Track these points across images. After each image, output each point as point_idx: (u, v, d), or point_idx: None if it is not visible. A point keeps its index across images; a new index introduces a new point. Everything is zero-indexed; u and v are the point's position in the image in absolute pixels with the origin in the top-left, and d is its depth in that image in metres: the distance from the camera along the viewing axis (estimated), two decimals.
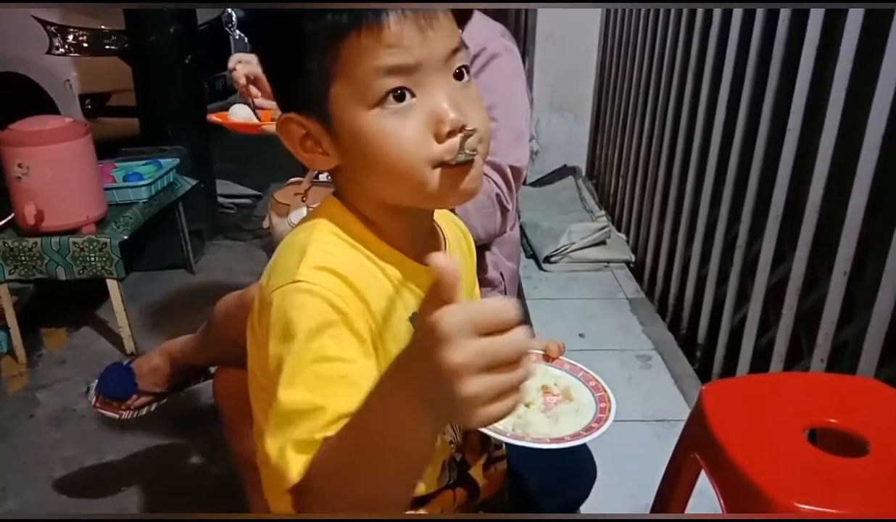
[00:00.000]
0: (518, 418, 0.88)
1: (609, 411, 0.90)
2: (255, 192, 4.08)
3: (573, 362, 0.98)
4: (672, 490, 1.21)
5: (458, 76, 0.76)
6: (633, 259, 3.06)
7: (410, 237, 0.84)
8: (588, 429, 0.87)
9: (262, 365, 0.79)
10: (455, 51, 0.75)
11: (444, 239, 0.93)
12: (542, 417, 0.88)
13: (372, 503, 0.66)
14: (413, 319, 0.61)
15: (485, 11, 1.60)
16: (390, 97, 0.72)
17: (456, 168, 0.75)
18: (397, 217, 0.82)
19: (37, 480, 2.05)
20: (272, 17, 0.77)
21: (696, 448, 1.14)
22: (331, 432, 0.67)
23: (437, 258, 0.52)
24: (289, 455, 0.68)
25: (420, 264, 0.85)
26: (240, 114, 1.42)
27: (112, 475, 2.07)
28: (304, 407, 0.69)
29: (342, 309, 0.73)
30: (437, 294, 0.52)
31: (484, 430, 0.88)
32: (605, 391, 0.93)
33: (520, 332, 0.52)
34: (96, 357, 2.53)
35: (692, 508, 1.22)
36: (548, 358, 0.99)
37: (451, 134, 0.74)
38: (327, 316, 0.72)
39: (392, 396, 0.59)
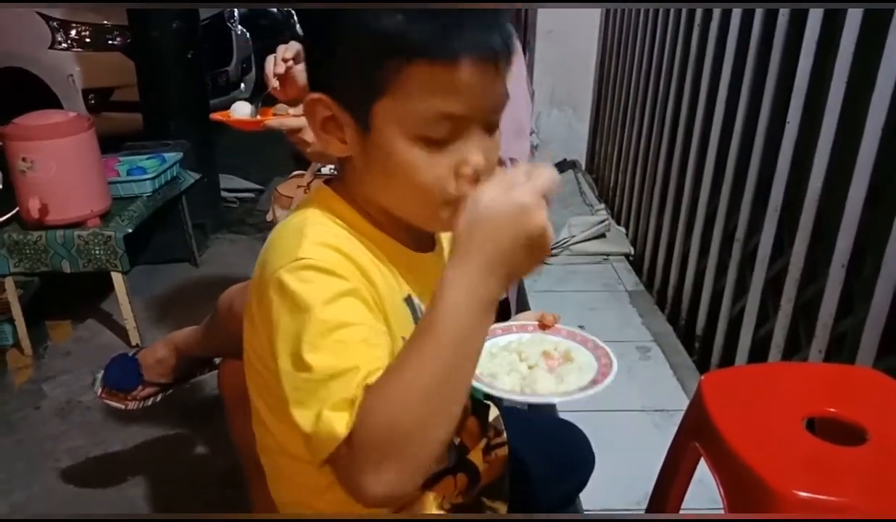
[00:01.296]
0: (524, 379, 0.90)
1: (611, 365, 0.90)
2: (257, 186, 4.09)
3: (569, 328, 0.99)
4: (671, 479, 1.22)
5: (491, 130, 0.78)
6: (633, 252, 3.07)
7: (405, 229, 0.85)
8: (594, 382, 0.88)
9: (258, 350, 0.81)
10: (497, 108, 0.78)
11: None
12: (547, 376, 0.89)
13: (449, 422, 0.68)
14: (487, 205, 0.66)
15: None
16: (431, 140, 0.74)
17: (460, 201, 0.76)
18: (395, 217, 0.83)
19: (43, 471, 2.06)
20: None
21: (696, 436, 1.16)
22: (362, 387, 0.68)
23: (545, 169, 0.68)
24: (327, 416, 0.67)
25: (413, 251, 0.87)
26: (242, 111, 1.43)
27: (117, 465, 2.08)
28: (333, 371, 0.69)
29: (346, 277, 0.74)
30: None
31: (496, 392, 0.89)
32: (604, 347, 0.94)
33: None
34: (101, 349, 2.55)
35: (691, 496, 1.24)
36: (544, 326, 1.00)
37: (469, 177, 0.76)
38: (337, 286, 0.73)
39: (474, 291, 0.66)
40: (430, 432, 0.66)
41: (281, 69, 1.35)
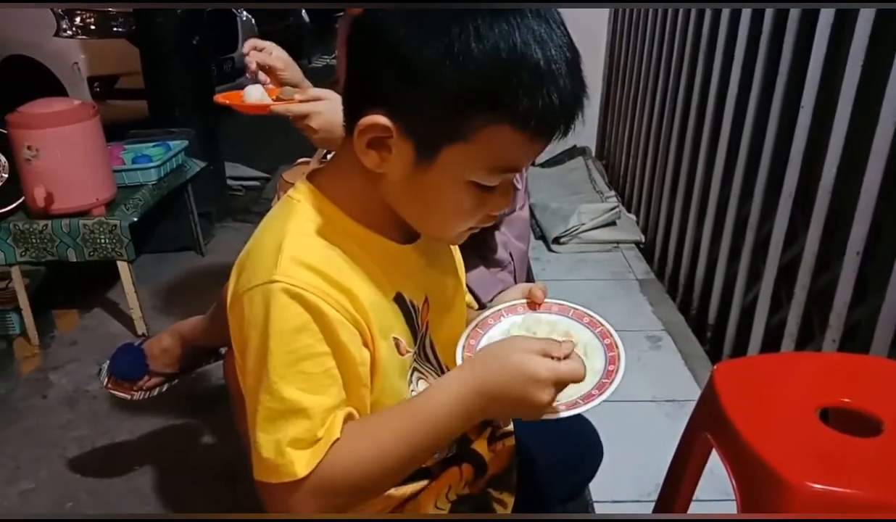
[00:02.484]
0: None
1: (617, 347, 0.85)
2: (263, 174, 4.08)
3: (559, 302, 0.94)
4: (683, 470, 1.20)
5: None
6: (643, 239, 3.04)
7: (391, 223, 0.84)
8: (608, 374, 0.83)
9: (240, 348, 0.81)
10: None
11: None
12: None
13: (400, 474, 0.81)
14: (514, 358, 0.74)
15: None
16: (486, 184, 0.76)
17: (474, 228, 0.83)
18: (384, 213, 0.82)
19: (50, 460, 2.06)
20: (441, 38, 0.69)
21: (708, 427, 1.13)
22: (327, 428, 0.75)
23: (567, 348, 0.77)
24: (289, 452, 0.74)
25: (398, 244, 0.85)
26: (254, 95, 1.40)
27: (124, 455, 2.08)
28: (297, 406, 0.74)
29: (318, 307, 0.75)
30: (550, 350, 0.76)
31: None
32: (603, 325, 0.89)
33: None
34: (108, 338, 2.54)
35: (702, 487, 1.22)
36: (533, 304, 0.96)
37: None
38: (304, 315, 0.74)
39: (462, 408, 0.76)
40: (385, 488, 0.84)
41: (254, 65, 1.36)
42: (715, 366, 1.17)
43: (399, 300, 0.85)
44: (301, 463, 0.73)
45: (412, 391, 0.88)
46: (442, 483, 0.97)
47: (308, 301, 0.74)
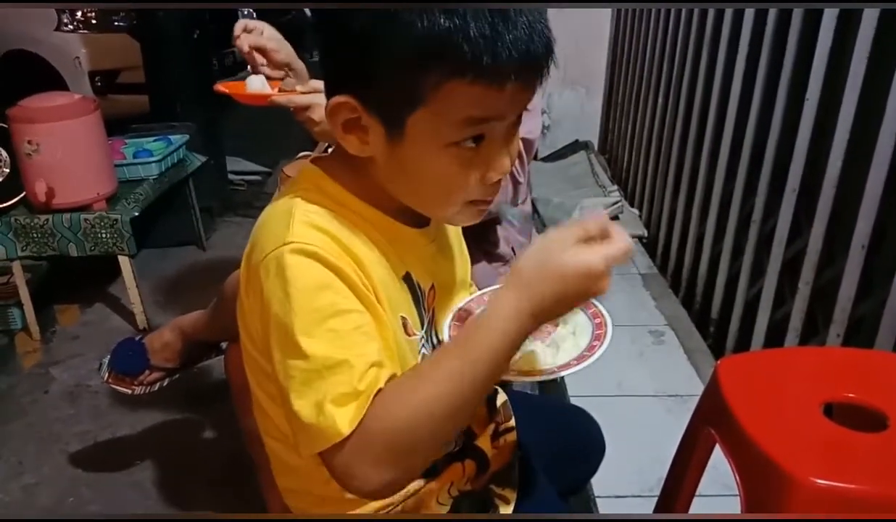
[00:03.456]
0: (520, 355, 0.86)
1: (605, 325, 0.86)
2: (264, 169, 4.07)
3: None
4: (686, 466, 1.19)
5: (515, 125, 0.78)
6: (646, 234, 3.03)
7: (401, 208, 0.83)
8: (591, 348, 0.84)
9: (253, 336, 0.80)
10: (525, 109, 0.76)
11: None
12: (543, 348, 0.86)
13: (454, 423, 0.74)
14: (567, 255, 0.68)
15: None
16: (465, 141, 0.73)
17: (480, 203, 0.79)
18: (393, 200, 0.81)
19: (52, 454, 2.06)
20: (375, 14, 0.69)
21: (712, 422, 1.13)
22: (366, 383, 0.69)
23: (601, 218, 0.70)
24: (330, 410, 0.68)
25: (408, 227, 0.85)
26: (255, 85, 1.38)
27: (126, 449, 2.08)
28: (331, 362, 0.69)
29: (337, 265, 0.73)
30: (587, 231, 0.69)
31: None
32: (596, 306, 0.89)
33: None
34: (109, 333, 2.54)
35: (705, 483, 1.21)
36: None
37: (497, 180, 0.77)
38: (326, 272, 0.72)
39: (520, 327, 0.69)
40: (439, 441, 0.72)
41: (246, 47, 1.34)
42: (718, 361, 1.16)
43: (408, 280, 0.84)
44: (344, 420, 0.68)
45: None
46: (444, 479, 0.96)
47: (326, 260, 0.72)
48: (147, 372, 1.71)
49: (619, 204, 3.08)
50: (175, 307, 2.69)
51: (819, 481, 0.93)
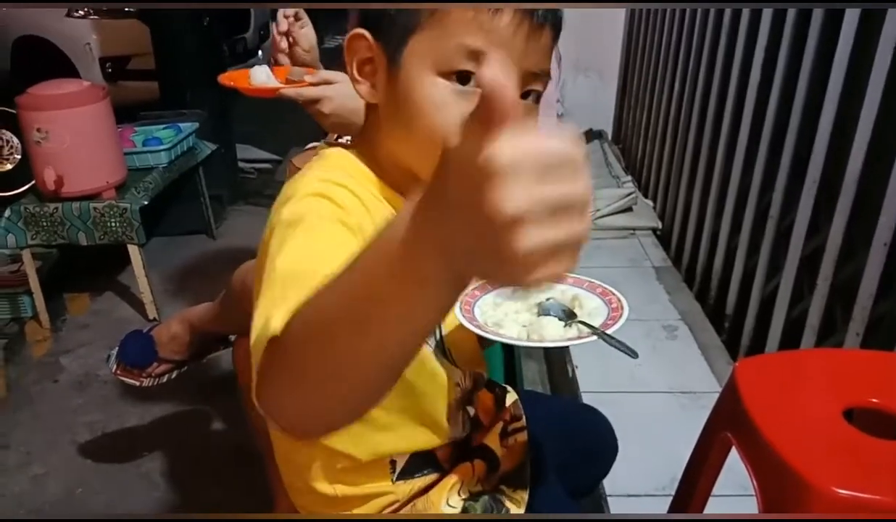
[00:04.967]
0: (531, 326, 0.85)
1: (622, 308, 0.85)
2: (275, 157, 4.05)
3: (576, 275, 0.93)
4: (701, 469, 1.17)
5: (525, 96, 0.74)
6: (660, 226, 2.99)
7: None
8: (604, 326, 0.82)
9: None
10: (536, 76, 0.74)
11: None
12: (555, 321, 0.84)
13: (340, 374, 0.52)
14: (452, 150, 0.42)
15: None
16: (457, 76, 0.71)
17: None
18: (412, 177, 0.79)
19: (61, 444, 2.06)
20: None
21: (728, 426, 1.10)
22: None
23: (487, 71, 0.41)
24: (274, 314, 0.55)
25: None
26: (260, 77, 1.35)
27: (134, 440, 2.08)
28: (295, 271, 0.60)
29: (347, 210, 0.71)
30: (484, 116, 0.40)
31: (499, 338, 0.84)
32: (614, 293, 0.89)
33: (586, 177, 0.41)
34: (119, 322, 2.54)
35: (720, 483, 1.18)
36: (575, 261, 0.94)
37: None
38: (333, 212, 0.70)
39: (404, 245, 0.45)
40: (334, 364, 0.51)
41: (284, 27, 1.31)
42: (736, 363, 1.13)
43: None
44: (279, 321, 0.54)
45: None
46: (453, 479, 0.94)
47: (340, 205, 0.70)
48: (155, 364, 1.70)
49: (633, 195, 3.04)
50: (185, 296, 2.69)
51: (840, 491, 0.90)
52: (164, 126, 2.75)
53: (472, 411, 0.96)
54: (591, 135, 3.74)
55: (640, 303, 2.46)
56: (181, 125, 2.77)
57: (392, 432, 0.88)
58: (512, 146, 0.39)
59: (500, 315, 0.86)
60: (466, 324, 0.82)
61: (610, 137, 3.86)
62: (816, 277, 1.79)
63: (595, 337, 0.81)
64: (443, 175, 0.43)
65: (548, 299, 0.89)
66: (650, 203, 3.14)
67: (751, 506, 1.00)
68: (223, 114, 3.35)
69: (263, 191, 3.66)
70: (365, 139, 0.81)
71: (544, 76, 0.75)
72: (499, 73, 0.40)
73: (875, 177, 1.59)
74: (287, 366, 0.53)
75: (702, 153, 2.59)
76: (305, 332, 0.52)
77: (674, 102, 2.93)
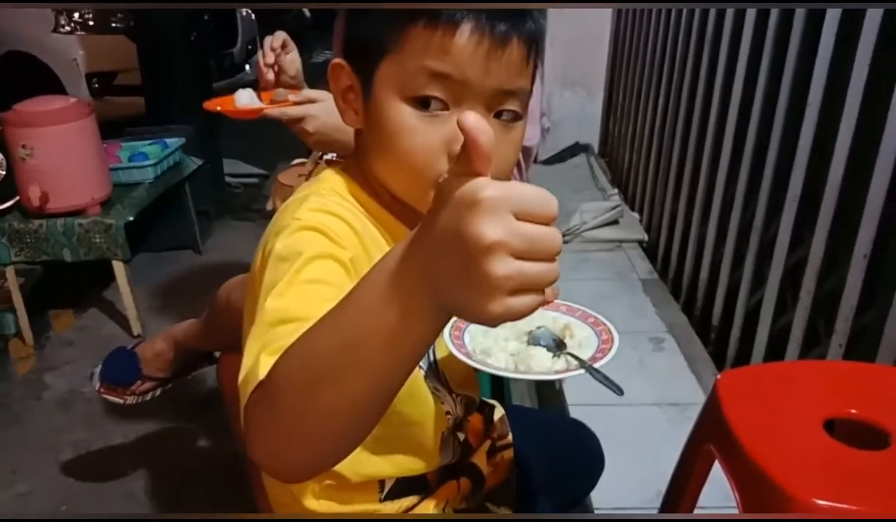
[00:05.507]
0: (518, 355, 0.84)
1: (612, 341, 0.85)
2: (262, 172, 4.05)
3: (569, 304, 0.93)
4: (685, 482, 1.17)
5: (501, 115, 0.74)
6: (647, 238, 3.01)
7: (414, 216, 0.81)
8: (592, 359, 0.82)
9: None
10: (508, 93, 0.73)
11: None
12: (544, 352, 0.84)
13: (326, 420, 0.53)
14: (441, 187, 0.47)
15: None
16: (421, 101, 0.71)
17: None
18: (399, 199, 0.79)
19: (45, 463, 2.04)
20: None
21: (711, 439, 1.10)
22: None
23: (468, 117, 0.46)
24: (262, 358, 0.58)
25: None
26: (244, 99, 1.36)
27: (120, 458, 2.06)
28: (286, 316, 0.61)
29: (341, 244, 0.71)
30: (468, 160, 0.46)
31: (485, 368, 0.84)
32: (605, 324, 0.88)
33: (557, 231, 0.47)
34: (104, 339, 2.52)
35: (706, 494, 1.18)
36: (543, 302, 0.94)
37: None
38: (327, 247, 0.70)
39: (392, 278, 0.49)
40: (322, 409, 0.53)
41: (271, 59, 1.31)
42: (719, 376, 1.14)
43: None
44: (266, 366, 0.56)
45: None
46: (439, 497, 0.95)
47: (334, 239, 0.70)
48: (139, 381, 1.69)
49: (619, 207, 3.06)
50: (171, 312, 2.68)
51: (820, 502, 0.91)
52: (150, 141, 2.75)
53: (462, 436, 0.96)
54: (578, 149, 3.76)
55: (628, 316, 2.47)
56: (167, 140, 2.77)
57: (383, 458, 0.88)
58: (496, 184, 0.45)
59: (490, 342, 0.86)
60: (455, 352, 0.81)
61: (596, 150, 3.88)
62: (800, 290, 1.81)
63: (582, 371, 0.81)
64: (433, 209, 0.47)
65: (539, 327, 0.88)
66: (636, 215, 3.15)
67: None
68: (210, 129, 3.34)
69: (250, 205, 3.66)
70: (357, 161, 0.82)
71: (520, 93, 0.74)
72: (478, 117, 0.46)
73: (855, 191, 1.61)
74: (275, 408, 0.55)
75: (686, 166, 2.61)
76: (293, 372, 0.54)
77: (658, 116, 2.96)
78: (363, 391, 0.52)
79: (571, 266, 2.82)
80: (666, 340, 2.35)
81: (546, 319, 0.90)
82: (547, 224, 0.46)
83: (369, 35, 0.74)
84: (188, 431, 2.13)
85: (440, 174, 0.73)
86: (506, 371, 0.83)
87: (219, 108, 1.37)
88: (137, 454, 2.07)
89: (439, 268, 0.46)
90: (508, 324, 0.88)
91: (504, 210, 0.44)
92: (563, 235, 2.91)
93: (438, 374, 0.92)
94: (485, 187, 0.45)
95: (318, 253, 0.68)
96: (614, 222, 3.03)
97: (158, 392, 1.73)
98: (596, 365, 0.81)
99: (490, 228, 0.44)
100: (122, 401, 1.70)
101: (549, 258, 0.46)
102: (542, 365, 0.82)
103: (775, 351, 1.94)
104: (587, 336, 0.87)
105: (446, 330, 0.83)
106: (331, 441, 0.55)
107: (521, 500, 1.06)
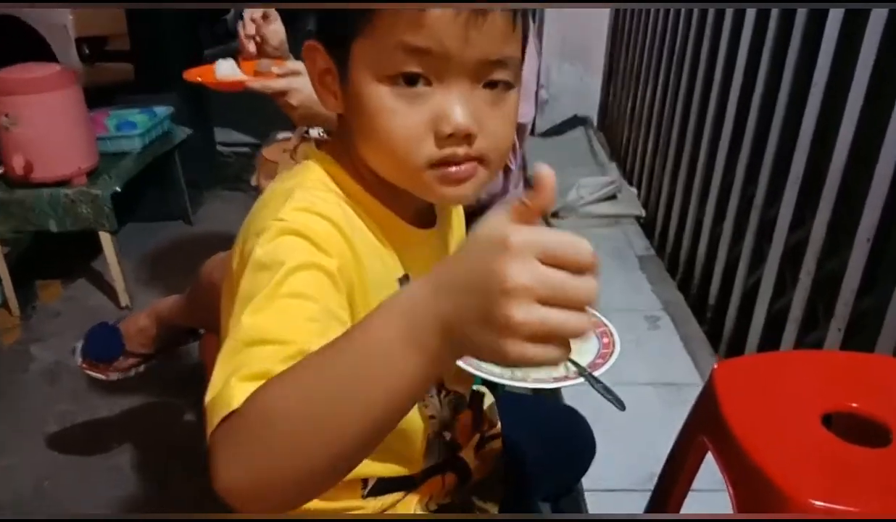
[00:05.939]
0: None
1: (613, 346, 0.82)
2: (254, 140, 3.97)
3: None
4: (677, 473, 1.14)
5: (491, 86, 0.69)
6: (644, 214, 2.96)
7: (404, 202, 0.77)
8: (592, 366, 0.79)
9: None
10: (496, 63, 0.68)
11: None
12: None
13: (318, 460, 0.52)
14: (479, 226, 0.48)
15: None
16: (402, 78, 0.66)
17: (451, 168, 0.69)
18: (387, 182, 0.75)
19: (31, 436, 2.02)
20: None
21: (705, 431, 1.07)
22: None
23: (542, 168, 0.48)
24: (233, 383, 0.54)
25: (412, 226, 0.79)
26: (225, 70, 1.31)
27: (105, 432, 2.04)
28: (262, 336, 0.58)
29: (327, 251, 0.66)
30: (525, 210, 0.48)
31: (482, 373, 0.81)
32: (607, 325, 0.85)
33: (593, 280, 0.46)
34: (91, 311, 2.48)
35: (700, 477, 1.15)
36: (564, 354, 0.90)
37: (452, 137, 0.67)
38: (311, 256, 0.65)
39: (410, 317, 0.49)
40: (301, 455, 0.52)
41: (251, 30, 1.26)
42: (715, 365, 1.10)
43: (405, 282, 0.78)
44: (242, 393, 0.53)
45: None
46: (423, 493, 0.91)
47: (318, 244, 0.65)
48: (122, 357, 1.66)
49: (617, 182, 3.01)
50: (160, 283, 2.64)
51: (817, 503, 0.88)
52: (139, 110, 2.69)
53: (448, 436, 0.92)
54: (576, 122, 3.70)
55: (623, 293, 2.43)
56: (156, 109, 2.71)
57: (365, 463, 0.84)
58: (528, 231, 0.45)
59: None
60: None
61: (595, 124, 3.82)
62: (799, 271, 1.77)
63: (582, 380, 0.78)
64: (464, 248, 0.49)
65: None
66: (634, 190, 3.10)
67: (728, 502, 0.98)
68: (201, 97, 3.26)
69: (242, 175, 3.58)
70: (342, 144, 0.77)
71: (509, 61, 0.69)
72: (546, 169, 0.48)
73: (859, 173, 1.56)
74: (257, 443, 0.52)
75: (686, 142, 2.56)
76: (289, 410, 0.51)
77: (659, 90, 2.89)
78: (366, 430, 0.51)
79: None
80: (661, 318, 2.31)
81: None
82: (581, 271, 0.45)
83: (339, 14, 0.69)
84: (175, 406, 2.11)
85: (428, 156, 0.68)
86: (501, 377, 0.80)
87: (199, 79, 1.32)
88: (123, 428, 2.05)
89: (461, 306, 0.47)
90: None
91: (531, 254, 0.45)
92: (559, 211, 2.86)
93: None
94: (516, 231, 0.45)
95: (301, 262, 0.63)
96: (612, 197, 2.99)
97: (142, 368, 1.70)
98: (596, 373, 0.78)
99: (516, 271, 0.44)
100: (104, 377, 1.68)
101: (577, 307, 0.45)
102: (541, 373, 0.80)
103: (773, 331, 1.91)
104: (588, 340, 0.83)
105: None
106: (317, 479, 0.54)
107: (512, 489, 1.03)
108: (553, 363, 0.47)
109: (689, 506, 1.19)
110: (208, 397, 0.56)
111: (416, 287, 0.50)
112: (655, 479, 1.23)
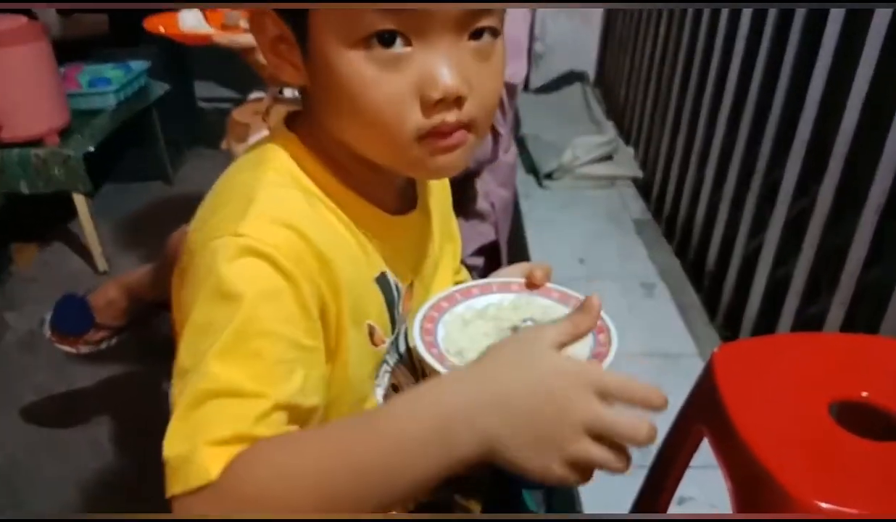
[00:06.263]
0: None
1: (609, 344, 0.76)
2: (237, 95, 3.85)
3: (562, 289, 0.83)
4: (671, 463, 1.08)
5: (477, 35, 0.61)
6: (641, 175, 2.87)
7: (383, 183, 0.71)
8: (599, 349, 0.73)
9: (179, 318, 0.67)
10: (480, 10, 0.59)
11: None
12: None
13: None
14: (533, 340, 0.59)
15: None
16: (376, 39, 0.57)
17: (441, 140, 0.62)
18: (367, 163, 0.67)
19: (6, 407, 1.97)
20: None
21: (703, 420, 1.00)
22: (266, 426, 0.55)
23: (593, 299, 0.66)
24: (203, 449, 0.53)
25: (391, 215, 0.72)
26: (190, 21, 1.21)
27: (83, 404, 1.99)
28: (232, 387, 0.55)
29: (291, 274, 0.59)
30: (577, 326, 0.64)
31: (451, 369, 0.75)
32: (603, 318, 0.78)
33: (652, 426, 0.58)
34: (68, 276, 2.42)
35: (697, 455, 1.09)
36: (531, 285, 0.82)
37: (441, 102, 0.59)
38: (273, 282, 0.59)
39: (443, 419, 0.53)
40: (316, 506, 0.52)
41: None
42: (716, 350, 1.03)
43: (382, 280, 0.73)
44: (217, 463, 0.53)
45: (377, 385, 0.76)
46: None
47: (281, 264, 0.59)
48: (92, 330, 1.59)
49: (614, 142, 2.91)
50: (139, 247, 2.56)
51: (823, 504, 0.81)
52: (113, 65, 2.57)
53: None
54: (572, 77, 3.57)
55: (618, 258, 2.35)
56: (132, 63, 2.59)
57: None
58: (614, 373, 0.58)
59: (466, 340, 0.73)
60: (424, 354, 0.69)
61: (591, 80, 3.70)
62: (803, 240, 1.69)
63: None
64: (516, 363, 0.57)
65: (525, 321, 0.76)
66: (631, 150, 3.01)
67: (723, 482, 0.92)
68: (180, 49, 3.13)
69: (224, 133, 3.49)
70: (306, 122, 0.70)
71: (491, 11, 0.61)
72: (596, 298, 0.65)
73: (870, 137, 1.47)
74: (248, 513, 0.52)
75: (686, 101, 2.45)
76: (298, 498, 0.51)
77: (659, 47, 2.78)
78: (382, 507, 0.54)
79: (561, 204, 2.69)
80: (657, 285, 2.24)
81: (535, 310, 0.78)
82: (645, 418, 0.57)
83: None
84: (153, 376, 2.06)
85: (416, 127, 0.61)
86: None
87: (161, 29, 1.22)
88: (101, 400, 1.99)
89: (517, 430, 0.53)
90: (490, 317, 0.77)
91: (610, 398, 0.56)
92: (553, 173, 2.77)
93: (413, 366, 0.81)
94: (607, 372, 0.57)
95: (264, 291, 0.58)
96: (608, 157, 2.89)
97: (114, 341, 1.64)
98: (610, 356, 0.73)
99: (592, 412, 0.55)
100: (75, 351, 1.61)
101: (623, 454, 0.59)
102: None
103: (773, 301, 1.84)
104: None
105: (416, 324, 0.72)
106: None
107: (497, 484, 0.98)
108: (579, 484, 0.58)
109: (685, 487, 1.14)
110: (169, 449, 0.54)
111: (451, 389, 0.55)
112: (649, 456, 1.16)
